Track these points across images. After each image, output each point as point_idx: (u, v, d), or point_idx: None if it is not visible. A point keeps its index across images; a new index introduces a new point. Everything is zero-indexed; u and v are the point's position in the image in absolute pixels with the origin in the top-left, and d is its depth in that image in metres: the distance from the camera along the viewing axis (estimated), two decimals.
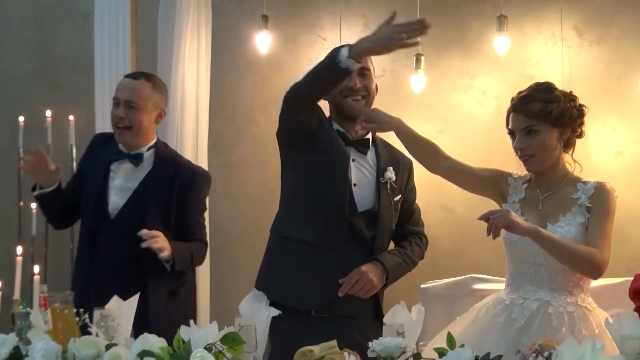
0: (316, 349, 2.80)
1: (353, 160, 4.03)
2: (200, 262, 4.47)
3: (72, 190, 4.42)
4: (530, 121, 3.71)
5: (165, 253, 4.04)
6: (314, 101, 3.93)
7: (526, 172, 3.87)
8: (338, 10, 5.80)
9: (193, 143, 5.55)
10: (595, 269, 3.59)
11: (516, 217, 3.50)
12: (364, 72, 4.05)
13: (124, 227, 4.21)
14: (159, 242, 4.01)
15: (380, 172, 4.04)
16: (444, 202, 5.65)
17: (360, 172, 4.05)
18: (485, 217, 3.49)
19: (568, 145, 3.86)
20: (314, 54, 5.84)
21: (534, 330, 3.60)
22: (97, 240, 4.24)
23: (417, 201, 4.24)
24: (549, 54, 5.61)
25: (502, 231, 3.66)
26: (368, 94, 4.07)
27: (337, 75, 3.80)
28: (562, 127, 3.77)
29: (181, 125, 5.52)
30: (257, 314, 3.06)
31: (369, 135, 4.11)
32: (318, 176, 4.00)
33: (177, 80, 5.53)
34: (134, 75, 4.47)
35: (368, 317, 3.92)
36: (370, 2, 5.87)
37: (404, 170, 4.13)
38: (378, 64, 5.75)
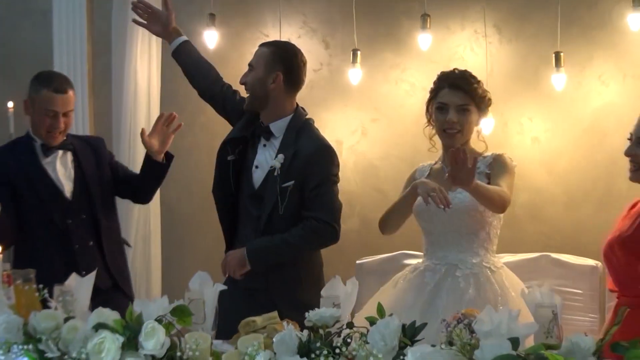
0: (258, 319, 2.83)
1: (264, 145, 4.10)
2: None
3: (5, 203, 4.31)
4: (468, 100, 3.85)
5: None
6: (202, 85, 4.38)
7: (433, 161, 4.07)
8: (279, 8, 5.79)
9: None
10: (504, 204, 3.77)
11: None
12: (248, 66, 4.15)
13: (80, 206, 4.33)
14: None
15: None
16: (377, 185, 5.68)
17: (264, 157, 4.10)
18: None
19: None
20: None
21: (444, 291, 3.74)
22: (67, 224, 4.29)
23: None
24: (472, 49, 5.64)
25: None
26: (247, 88, 4.13)
27: (176, 60, 4.46)
28: (482, 112, 3.92)
29: (134, 115, 5.50)
30: (205, 289, 3.07)
31: (275, 123, 4.11)
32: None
33: (130, 73, 5.52)
34: (62, 89, 4.37)
35: (261, 292, 3.99)
36: (309, 1, 5.88)
37: (301, 159, 4.02)
38: (316, 58, 5.81)
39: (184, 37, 4.41)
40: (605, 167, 5.30)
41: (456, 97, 3.85)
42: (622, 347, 2.21)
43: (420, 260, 4.03)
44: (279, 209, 3.99)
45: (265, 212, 4.01)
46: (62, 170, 4.37)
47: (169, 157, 4.46)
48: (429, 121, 4.01)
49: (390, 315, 2.55)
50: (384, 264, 4.84)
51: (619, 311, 2.41)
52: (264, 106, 4.08)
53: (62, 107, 4.30)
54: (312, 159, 4.03)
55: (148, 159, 4.42)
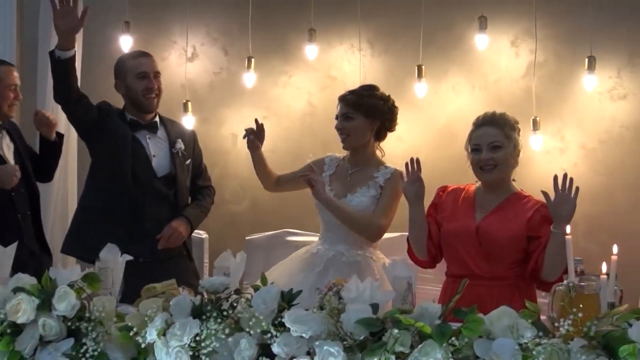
0: (158, 286, 2.79)
1: (149, 138, 4.12)
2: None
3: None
4: (347, 109, 4.00)
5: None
6: (72, 94, 3.90)
7: (341, 153, 4.08)
8: (186, 18, 5.72)
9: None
10: (370, 231, 3.90)
11: (322, 189, 3.81)
12: (157, 76, 4.18)
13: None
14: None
15: (171, 144, 4.17)
16: None
17: (157, 146, 4.15)
18: (307, 179, 3.82)
19: (379, 135, 4.06)
20: (166, 54, 5.77)
21: (330, 274, 3.75)
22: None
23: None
24: (349, 61, 5.64)
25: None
26: (159, 93, 4.18)
27: (61, 67, 3.80)
28: (372, 119, 3.97)
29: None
30: (114, 259, 3.01)
31: (156, 118, 4.20)
32: (108, 155, 4.05)
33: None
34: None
35: (183, 257, 4.00)
36: (211, 13, 5.83)
37: (190, 140, 4.30)
38: (216, 63, 5.75)
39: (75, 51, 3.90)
40: (455, 161, 5.28)
41: (340, 108, 4.05)
42: (463, 312, 2.25)
43: (315, 240, 4.07)
44: (187, 183, 4.30)
45: (182, 189, 4.20)
46: (6, 147, 4.24)
47: (60, 135, 4.39)
48: None
49: (272, 283, 2.54)
50: (270, 239, 4.84)
51: (461, 282, 2.45)
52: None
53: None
54: (196, 140, 4.45)
55: (42, 140, 4.36)
